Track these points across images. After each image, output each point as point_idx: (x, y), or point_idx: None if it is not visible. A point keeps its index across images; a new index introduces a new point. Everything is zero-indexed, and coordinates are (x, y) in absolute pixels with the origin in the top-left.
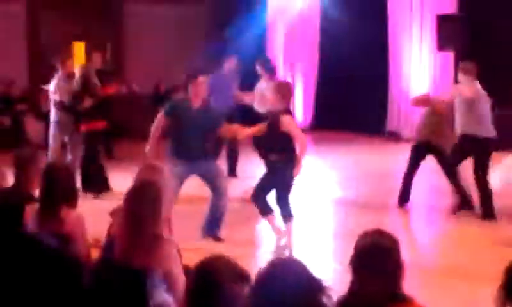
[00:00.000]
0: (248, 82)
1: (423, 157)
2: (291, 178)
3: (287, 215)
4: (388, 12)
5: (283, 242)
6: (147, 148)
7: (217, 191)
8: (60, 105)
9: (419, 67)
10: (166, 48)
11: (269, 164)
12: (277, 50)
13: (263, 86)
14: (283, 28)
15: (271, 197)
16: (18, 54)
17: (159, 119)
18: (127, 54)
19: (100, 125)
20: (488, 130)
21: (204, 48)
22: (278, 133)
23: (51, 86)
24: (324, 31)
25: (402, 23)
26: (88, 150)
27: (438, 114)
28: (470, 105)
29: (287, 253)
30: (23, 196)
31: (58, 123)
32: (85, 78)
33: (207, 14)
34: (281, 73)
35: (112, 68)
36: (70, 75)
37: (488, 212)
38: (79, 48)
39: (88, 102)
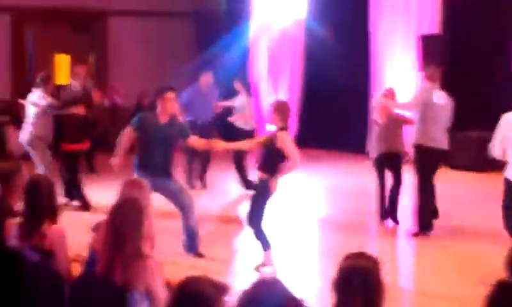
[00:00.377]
0: (232, 97)
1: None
2: (261, 198)
3: (262, 242)
4: (369, 29)
5: (268, 270)
6: (113, 159)
7: (184, 208)
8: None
9: (401, 86)
10: (149, 61)
11: (257, 182)
12: (261, 67)
13: (241, 101)
14: (266, 45)
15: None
16: (1, 66)
17: (127, 132)
18: (110, 66)
19: (84, 146)
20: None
21: (188, 62)
22: (273, 149)
23: (33, 100)
24: (308, 49)
25: (384, 42)
26: (68, 169)
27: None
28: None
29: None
30: (5, 209)
31: (40, 137)
32: (86, 90)
33: (192, 28)
34: (265, 90)
35: (95, 80)
36: (53, 93)
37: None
38: (62, 61)
39: (79, 110)
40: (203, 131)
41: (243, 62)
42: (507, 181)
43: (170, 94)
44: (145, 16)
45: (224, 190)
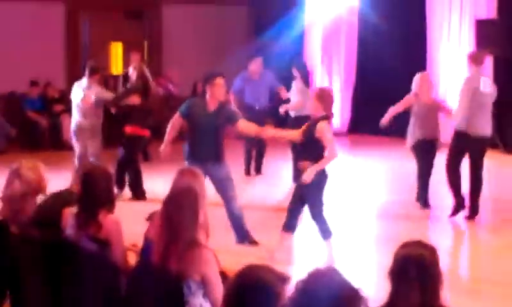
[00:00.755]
0: (286, 84)
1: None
2: (315, 188)
3: (323, 232)
4: (426, 16)
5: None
6: (162, 147)
7: (225, 198)
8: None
9: (457, 72)
10: (203, 49)
11: (298, 172)
12: (315, 53)
13: (298, 88)
14: (321, 31)
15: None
16: (56, 55)
17: (175, 119)
18: (164, 54)
19: (145, 132)
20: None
21: (243, 49)
22: (312, 139)
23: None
24: (362, 35)
25: (439, 26)
26: (127, 154)
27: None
28: None
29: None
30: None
31: (86, 128)
32: (144, 77)
33: (246, 15)
34: (319, 76)
35: (149, 68)
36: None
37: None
38: (116, 49)
39: (135, 99)
40: (259, 117)
41: (297, 49)
42: None
43: (219, 80)
44: (199, 3)
45: (280, 178)
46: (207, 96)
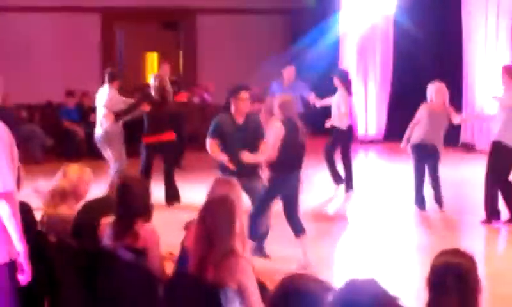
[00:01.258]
0: (320, 93)
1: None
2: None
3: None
4: (462, 23)
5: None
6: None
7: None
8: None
9: (494, 78)
10: (238, 59)
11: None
12: (350, 62)
13: (343, 98)
14: (356, 39)
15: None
16: (92, 65)
17: (210, 144)
18: (199, 64)
19: (166, 136)
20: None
21: (278, 58)
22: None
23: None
24: (398, 42)
25: (476, 34)
26: (166, 165)
27: None
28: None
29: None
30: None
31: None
32: (161, 87)
33: (282, 24)
34: (355, 85)
35: (184, 77)
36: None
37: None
38: (151, 59)
39: (144, 107)
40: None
41: (333, 57)
42: None
43: (244, 94)
44: (234, 14)
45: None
46: (233, 109)
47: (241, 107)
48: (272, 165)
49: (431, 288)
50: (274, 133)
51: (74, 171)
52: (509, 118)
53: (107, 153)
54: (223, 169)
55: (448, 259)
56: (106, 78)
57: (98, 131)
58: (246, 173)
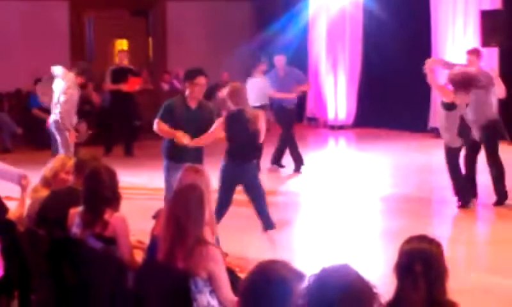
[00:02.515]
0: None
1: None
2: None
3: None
4: (430, 7)
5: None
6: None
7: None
8: None
9: (463, 63)
10: (208, 45)
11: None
12: (319, 47)
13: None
14: (325, 25)
15: None
16: (61, 53)
17: (158, 124)
18: (169, 51)
19: None
20: None
21: (246, 44)
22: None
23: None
24: (367, 28)
25: (445, 19)
26: None
27: None
28: None
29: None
30: (76, 197)
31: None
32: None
33: (250, 10)
34: (324, 70)
35: (154, 64)
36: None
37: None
38: (121, 46)
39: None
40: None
41: (302, 43)
42: None
43: (200, 79)
44: (203, 0)
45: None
46: (187, 93)
47: (196, 92)
48: (224, 155)
49: (399, 274)
50: (216, 123)
51: (57, 159)
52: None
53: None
54: (169, 154)
55: (416, 245)
56: (76, 70)
57: (52, 117)
58: (191, 159)
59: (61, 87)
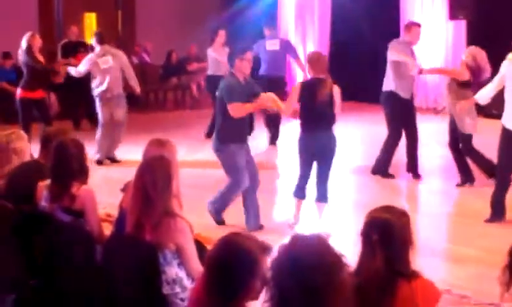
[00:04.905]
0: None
1: None
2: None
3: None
4: None
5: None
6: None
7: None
8: None
9: (431, 36)
10: (177, 18)
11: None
12: (288, 20)
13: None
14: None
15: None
16: (29, 26)
17: (235, 107)
18: (139, 24)
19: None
20: None
21: (215, 18)
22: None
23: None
24: (336, 3)
25: None
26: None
27: None
28: None
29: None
30: (43, 171)
31: None
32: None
33: None
34: (293, 43)
35: (123, 38)
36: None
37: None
38: (90, 20)
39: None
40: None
41: (271, 15)
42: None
43: (248, 55)
44: None
45: None
46: (236, 70)
47: (244, 67)
48: (301, 126)
49: (364, 243)
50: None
51: (19, 141)
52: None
53: None
54: (234, 137)
55: (376, 214)
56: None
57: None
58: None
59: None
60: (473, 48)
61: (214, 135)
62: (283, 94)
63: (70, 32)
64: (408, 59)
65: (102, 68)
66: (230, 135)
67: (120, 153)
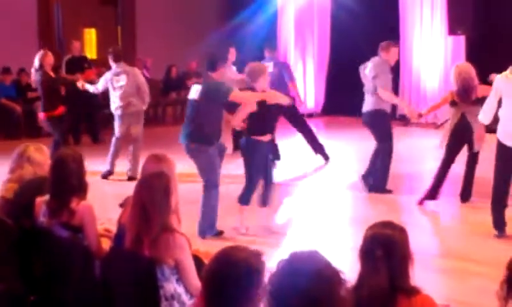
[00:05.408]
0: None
1: None
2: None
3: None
4: None
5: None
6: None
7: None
8: None
9: (430, 52)
10: (177, 34)
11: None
12: (288, 35)
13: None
14: (293, 12)
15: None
16: (30, 42)
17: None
18: (139, 39)
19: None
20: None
21: (215, 33)
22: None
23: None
24: (335, 15)
25: (412, 7)
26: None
27: None
28: None
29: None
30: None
31: None
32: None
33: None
34: (293, 59)
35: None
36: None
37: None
38: (90, 35)
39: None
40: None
41: (270, 31)
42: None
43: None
44: None
45: None
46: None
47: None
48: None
49: (362, 259)
50: None
51: (36, 152)
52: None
53: None
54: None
55: (378, 230)
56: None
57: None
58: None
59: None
60: (453, 69)
61: (189, 137)
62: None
63: (73, 48)
64: (403, 104)
65: (117, 85)
66: (211, 137)
67: (119, 167)
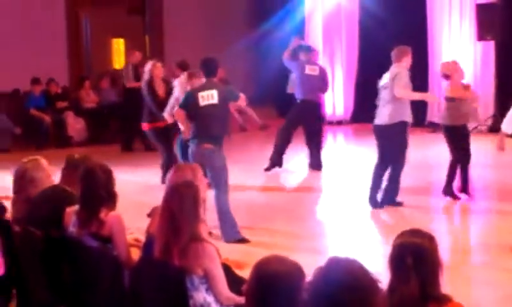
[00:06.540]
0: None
1: None
2: None
3: None
4: (426, 2)
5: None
6: None
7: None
8: None
9: (459, 57)
10: (206, 41)
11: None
12: (316, 43)
13: None
14: (321, 20)
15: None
16: (58, 52)
17: None
18: (167, 48)
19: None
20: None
21: (244, 38)
22: None
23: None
24: (363, 23)
25: (441, 12)
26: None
27: None
28: None
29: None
30: (68, 197)
31: None
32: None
33: (247, 4)
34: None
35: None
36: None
37: None
38: (118, 45)
39: None
40: None
41: (299, 36)
42: None
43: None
44: None
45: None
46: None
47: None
48: None
49: (392, 268)
50: None
51: (36, 171)
52: None
53: None
54: None
55: (407, 239)
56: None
57: None
58: None
59: None
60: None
61: (195, 140)
62: (317, 119)
63: (133, 57)
64: (424, 96)
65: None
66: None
67: (145, 177)
